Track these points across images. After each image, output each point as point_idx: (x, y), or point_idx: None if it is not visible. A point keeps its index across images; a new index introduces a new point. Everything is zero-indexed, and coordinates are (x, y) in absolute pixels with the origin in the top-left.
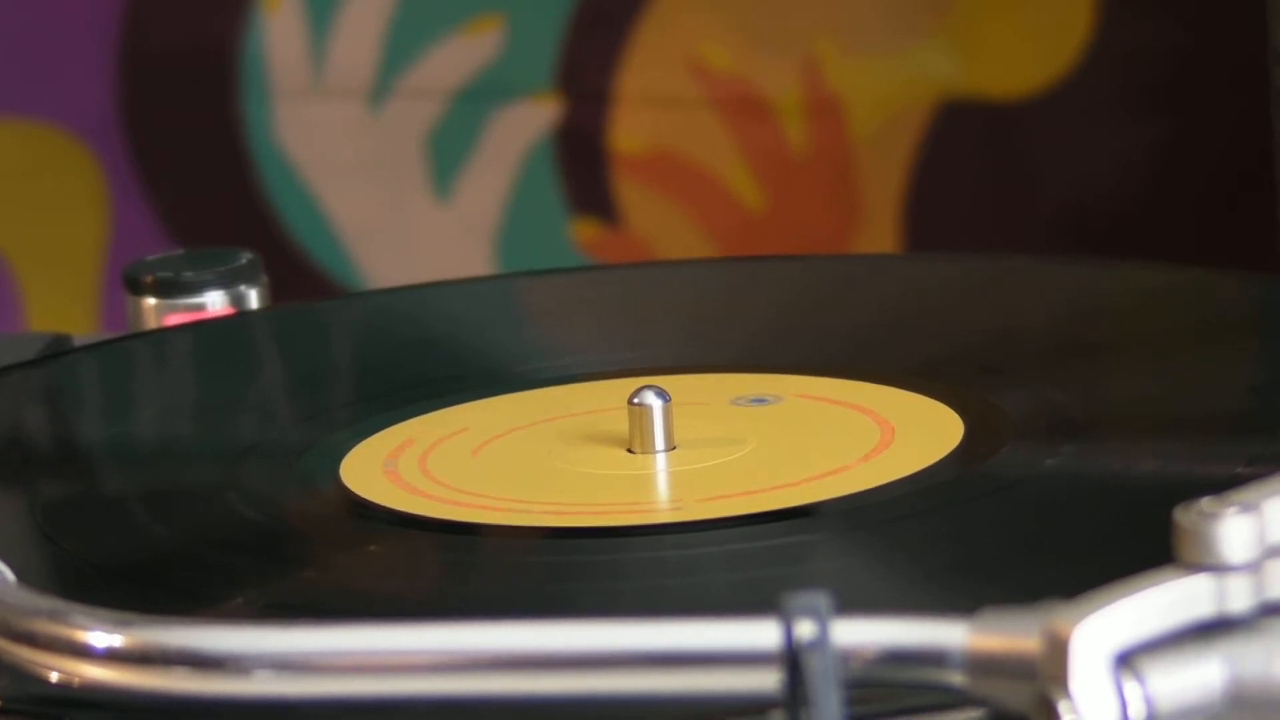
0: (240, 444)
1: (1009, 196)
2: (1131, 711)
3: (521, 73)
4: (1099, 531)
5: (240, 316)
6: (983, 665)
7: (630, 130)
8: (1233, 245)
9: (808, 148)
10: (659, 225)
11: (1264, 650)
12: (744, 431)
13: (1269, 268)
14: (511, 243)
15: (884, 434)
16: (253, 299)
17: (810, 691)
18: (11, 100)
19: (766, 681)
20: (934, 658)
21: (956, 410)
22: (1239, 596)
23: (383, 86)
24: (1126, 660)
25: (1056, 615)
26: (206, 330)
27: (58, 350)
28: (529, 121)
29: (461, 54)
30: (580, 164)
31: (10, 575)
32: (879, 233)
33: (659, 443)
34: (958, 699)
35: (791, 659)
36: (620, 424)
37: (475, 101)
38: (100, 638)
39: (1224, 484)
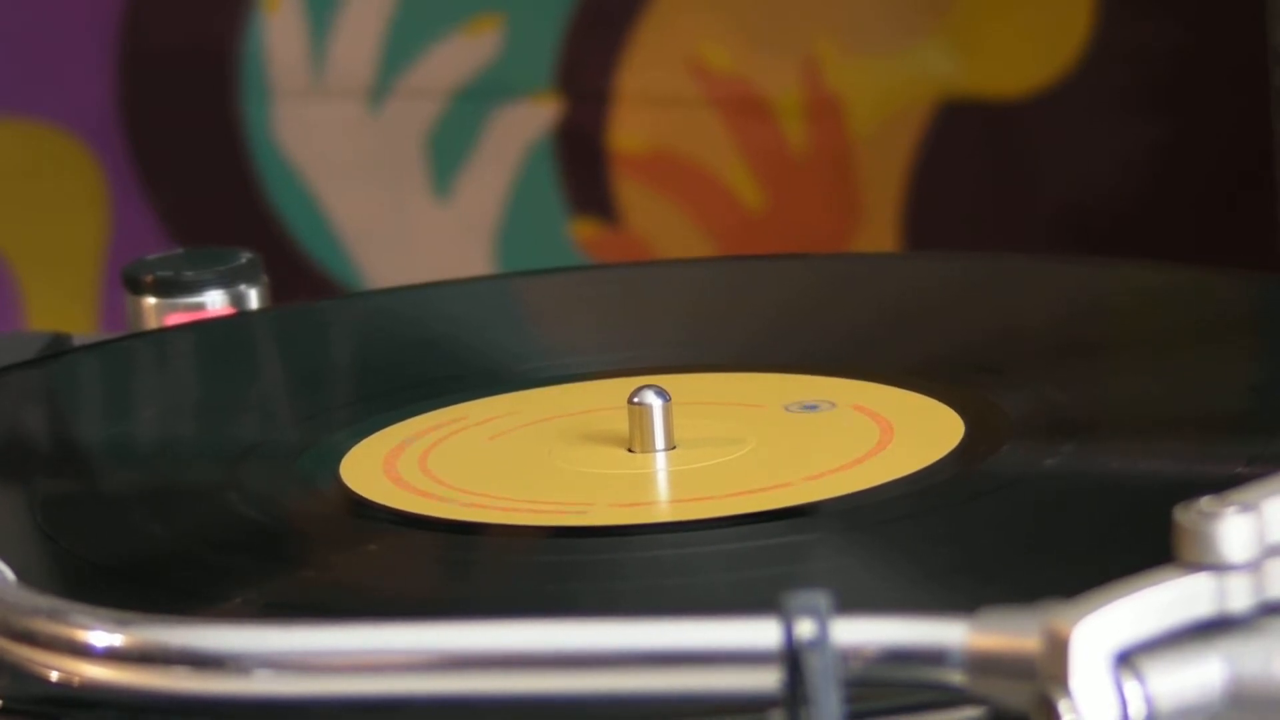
0: (240, 444)
1: (1009, 196)
2: (1131, 711)
3: (521, 72)
4: (1099, 531)
5: (240, 316)
6: (982, 664)
7: (630, 130)
8: (1233, 245)
9: (808, 147)
10: (659, 225)
11: (1264, 650)
12: (744, 431)
13: (1269, 268)
14: (511, 242)
15: (883, 433)
16: (253, 299)
17: (810, 690)
18: (11, 100)
19: (766, 681)
20: (934, 657)
21: (956, 410)
22: (1239, 596)
23: (383, 86)
24: (1126, 659)
25: (1056, 615)
26: (206, 330)
27: (58, 350)
28: (529, 121)
29: (461, 54)
30: (580, 163)
31: (10, 574)
32: (879, 232)
33: (659, 442)
34: (957, 698)
35: (791, 658)
36: (620, 423)
37: (475, 101)
38: (100, 637)
39: (1224, 484)
